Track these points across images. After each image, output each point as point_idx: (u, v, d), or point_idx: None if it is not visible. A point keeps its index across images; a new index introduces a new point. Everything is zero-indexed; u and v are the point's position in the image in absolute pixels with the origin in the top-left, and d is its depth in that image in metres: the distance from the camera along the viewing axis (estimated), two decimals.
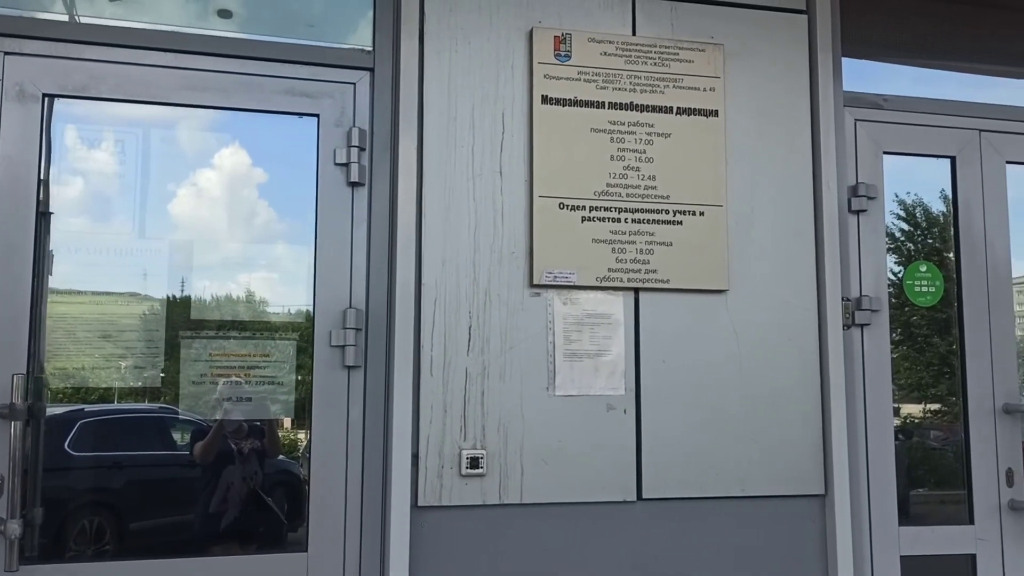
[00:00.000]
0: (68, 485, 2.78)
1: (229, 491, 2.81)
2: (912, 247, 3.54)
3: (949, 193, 3.40)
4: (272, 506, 2.84)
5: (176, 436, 2.92)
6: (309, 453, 2.70)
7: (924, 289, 3.30)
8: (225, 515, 2.81)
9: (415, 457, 2.71)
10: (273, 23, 2.89)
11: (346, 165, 2.80)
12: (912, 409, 3.52)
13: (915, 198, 3.51)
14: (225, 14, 2.91)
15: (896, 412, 3.43)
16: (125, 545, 2.78)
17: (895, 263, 3.39)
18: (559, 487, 2.80)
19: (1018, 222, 3.38)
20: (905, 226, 3.53)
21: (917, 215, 3.54)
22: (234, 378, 2.73)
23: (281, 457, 2.88)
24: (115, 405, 2.79)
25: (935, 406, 3.52)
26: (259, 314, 2.81)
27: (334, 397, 2.72)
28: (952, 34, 3.45)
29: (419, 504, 2.70)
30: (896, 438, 3.32)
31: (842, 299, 3.09)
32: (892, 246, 3.45)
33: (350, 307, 2.76)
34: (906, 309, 3.41)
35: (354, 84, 2.85)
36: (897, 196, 3.43)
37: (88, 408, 2.79)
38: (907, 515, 3.22)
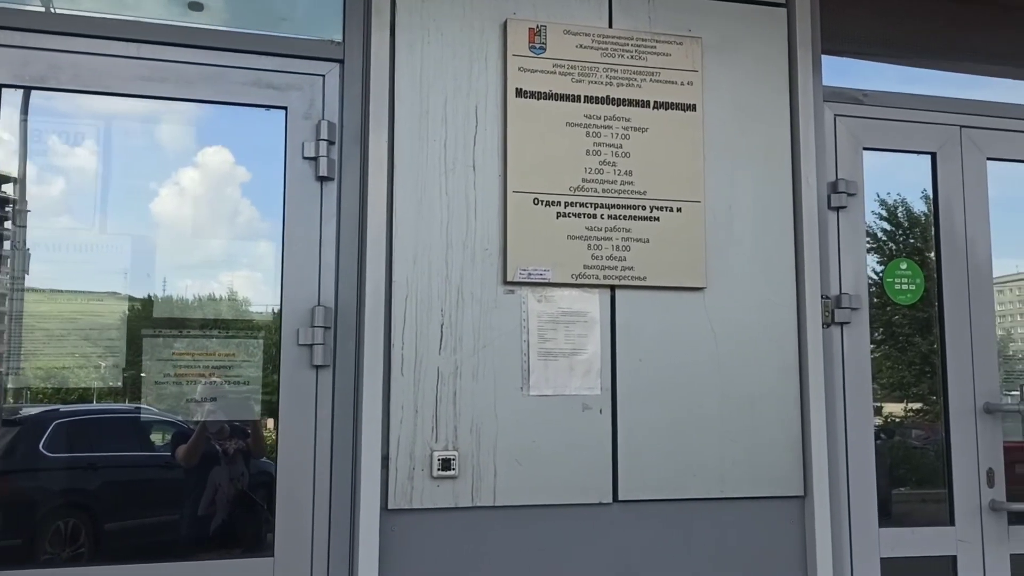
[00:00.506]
0: (42, 486, 2.75)
1: (217, 493, 2.75)
2: (894, 247, 3.51)
3: (930, 191, 3.37)
4: (263, 508, 2.76)
5: (154, 437, 2.87)
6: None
7: (904, 287, 3.27)
8: (214, 517, 2.75)
9: (385, 459, 2.65)
10: (242, 14, 2.83)
11: (315, 159, 2.73)
12: (894, 408, 3.50)
13: (897, 197, 3.48)
14: (196, 7, 2.84)
15: (878, 411, 3.41)
16: (101, 548, 2.74)
17: (877, 262, 3.36)
18: (533, 489, 2.74)
19: (1000, 220, 3.35)
20: (887, 226, 3.51)
21: (899, 214, 3.51)
22: (208, 379, 2.66)
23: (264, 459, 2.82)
24: (91, 405, 2.74)
25: (917, 405, 3.50)
26: (225, 312, 2.74)
27: (302, 397, 2.66)
28: (934, 30, 3.42)
29: (389, 507, 2.63)
30: (878, 437, 3.31)
31: (822, 297, 3.05)
32: (873, 245, 3.43)
33: (318, 305, 2.69)
34: (888, 308, 3.39)
35: (323, 76, 2.79)
36: (879, 196, 3.41)
37: (63, 408, 2.73)
38: (889, 515, 3.20)
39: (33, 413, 2.72)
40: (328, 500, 2.64)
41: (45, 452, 2.78)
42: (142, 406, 2.70)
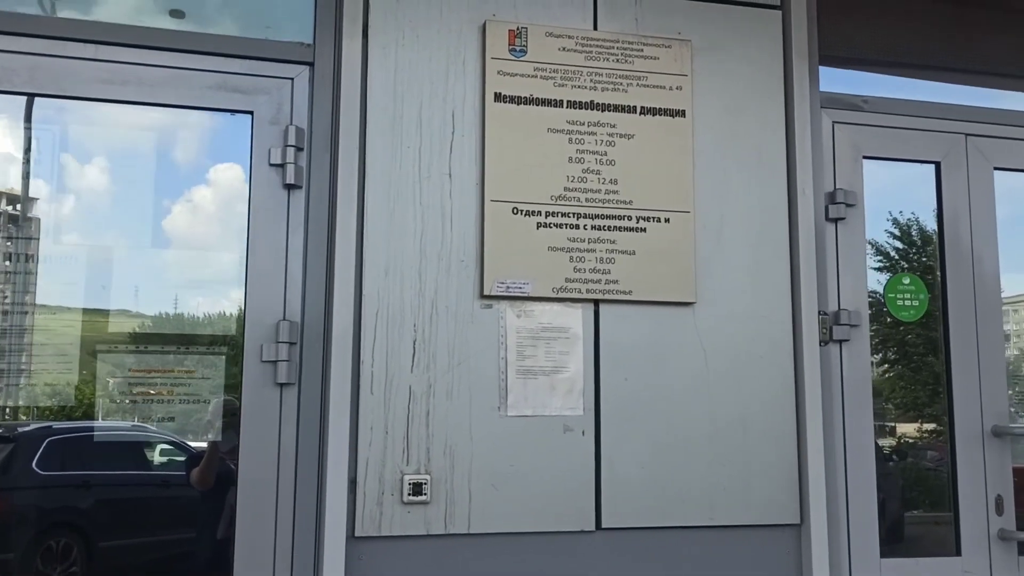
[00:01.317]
0: (34, 504, 2.68)
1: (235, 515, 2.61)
2: (906, 265, 3.37)
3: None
4: None
5: (149, 455, 2.79)
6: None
7: (907, 303, 3.12)
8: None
9: (352, 483, 2.51)
10: (208, 14, 2.72)
11: (282, 166, 2.62)
12: (908, 429, 3.36)
13: (911, 216, 3.34)
14: (178, 14, 2.73)
15: (891, 432, 3.31)
16: (94, 567, 2.67)
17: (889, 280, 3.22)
18: (511, 516, 2.60)
19: (1011, 233, 3.21)
20: (900, 244, 3.37)
21: (912, 232, 3.37)
22: (166, 396, 2.54)
23: None
24: (85, 423, 2.63)
25: (931, 426, 3.36)
26: (185, 326, 2.62)
27: (265, 417, 2.53)
28: (937, 36, 3.29)
29: (356, 534, 2.49)
30: (890, 459, 3.23)
31: (819, 313, 2.91)
32: (885, 264, 3.31)
33: (284, 319, 2.57)
34: (900, 327, 3.26)
35: (292, 79, 2.68)
36: (891, 213, 3.30)
37: (56, 426, 2.66)
38: (902, 539, 3.11)
39: (26, 430, 2.65)
40: (291, 526, 2.51)
41: (38, 470, 2.69)
42: (138, 424, 2.61)
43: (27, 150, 2.59)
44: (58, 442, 2.69)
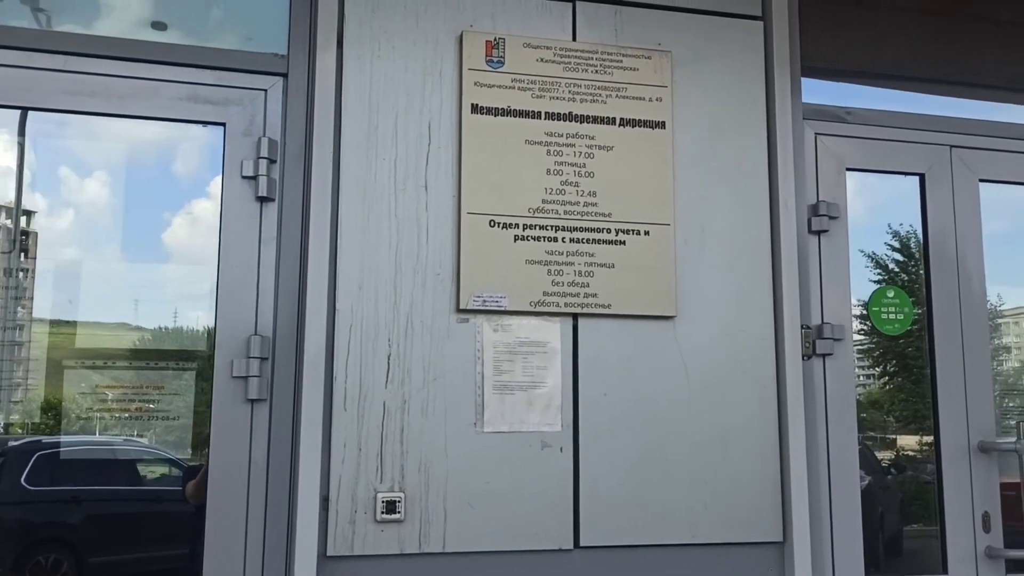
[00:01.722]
0: (23, 519, 2.65)
1: None
2: (906, 277, 3.34)
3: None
4: None
5: (142, 470, 2.76)
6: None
7: (891, 316, 3.09)
8: None
9: (325, 501, 2.47)
10: (181, 25, 2.69)
11: (254, 178, 2.58)
12: (908, 441, 3.33)
13: (909, 227, 3.31)
14: (160, 26, 2.70)
15: (891, 445, 3.30)
16: None
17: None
18: (487, 534, 2.56)
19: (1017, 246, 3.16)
20: (900, 256, 3.34)
21: (911, 244, 3.34)
22: (133, 413, 2.50)
23: None
24: (74, 437, 2.61)
25: (930, 438, 3.29)
26: (154, 341, 2.58)
27: (235, 433, 2.49)
28: (922, 48, 3.27)
29: (328, 553, 2.45)
30: (888, 472, 3.21)
31: (802, 327, 2.87)
32: (884, 277, 3.30)
33: (255, 334, 2.53)
34: (900, 341, 3.23)
35: (265, 91, 2.65)
36: (891, 226, 3.29)
37: (46, 440, 2.62)
38: (901, 552, 3.11)
39: (15, 444, 2.62)
40: (262, 545, 2.46)
41: (27, 485, 2.66)
42: (130, 439, 2.58)
43: (20, 163, 2.56)
44: (47, 457, 2.65)
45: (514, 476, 2.60)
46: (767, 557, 2.76)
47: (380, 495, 2.50)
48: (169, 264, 2.70)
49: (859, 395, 3.41)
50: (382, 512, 2.49)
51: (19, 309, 2.60)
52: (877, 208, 3.31)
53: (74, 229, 2.62)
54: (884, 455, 3.32)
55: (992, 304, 3.42)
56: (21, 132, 2.59)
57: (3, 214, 2.64)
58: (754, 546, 2.75)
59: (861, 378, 3.44)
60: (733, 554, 2.73)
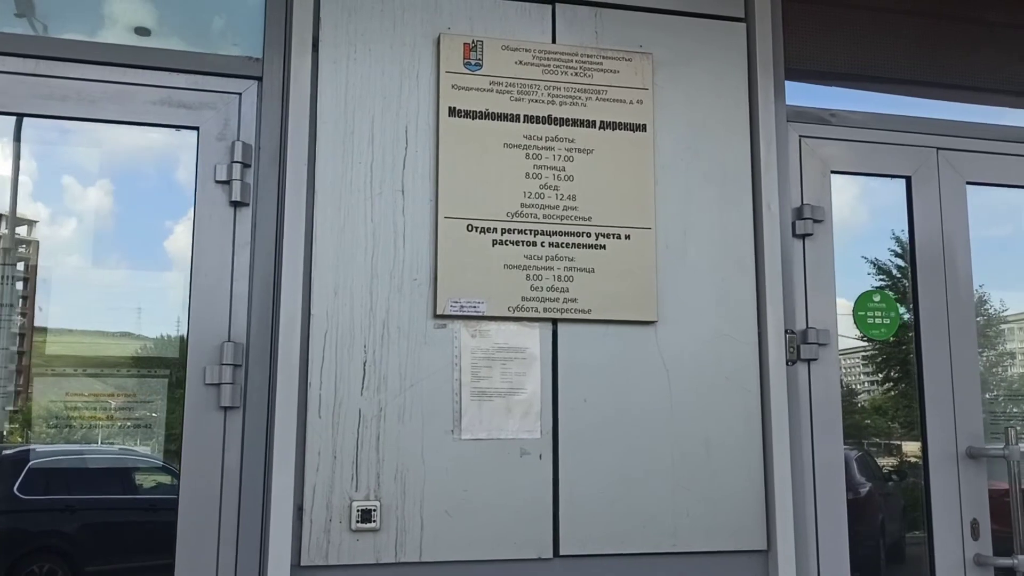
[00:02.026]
0: (16, 529, 2.61)
1: None
2: (908, 283, 3.29)
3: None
4: None
5: (139, 479, 2.72)
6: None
7: (877, 321, 3.05)
8: None
9: (299, 509, 2.44)
10: (155, 28, 2.67)
11: (227, 183, 2.56)
12: (912, 447, 3.28)
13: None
14: (143, 31, 2.68)
15: (895, 451, 3.28)
16: None
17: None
18: (465, 543, 2.52)
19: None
20: (902, 262, 3.30)
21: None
22: (104, 422, 2.48)
23: None
24: (69, 446, 2.57)
25: None
26: (125, 349, 2.55)
27: (207, 441, 2.46)
28: (909, 50, 3.25)
29: (302, 563, 2.41)
30: (889, 479, 3.18)
31: (786, 332, 2.84)
32: (888, 282, 3.25)
33: (228, 341, 2.50)
34: (903, 348, 3.20)
35: (240, 94, 2.62)
36: (894, 232, 3.23)
37: (39, 449, 2.58)
38: (903, 560, 3.09)
39: (8, 453, 2.58)
40: (234, 554, 2.43)
41: (19, 494, 2.62)
42: (126, 447, 2.56)
43: (16, 171, 2.55)
44: (40, 465, 2.62)
45: (492, 484, 2.57)
46: (751, 566, 2.72)
47: (355, 504, 2.47)
48: (153, 271, 2.67)
49: (863, 401, 3.40)
50: (357, 521, 2.46)
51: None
52: (880, 211, 3.26)
53: (61, 237, 2.60)
54: (887, 461, 3.28)
55: (996, 310, 3.40)
56: (17, 138, 2.57)
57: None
58: (738, 554, 2.71)
59: (865, 384, 3.41)
60: (716, 563, 2.69)
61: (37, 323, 2.52)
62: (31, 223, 2.62)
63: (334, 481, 2.47)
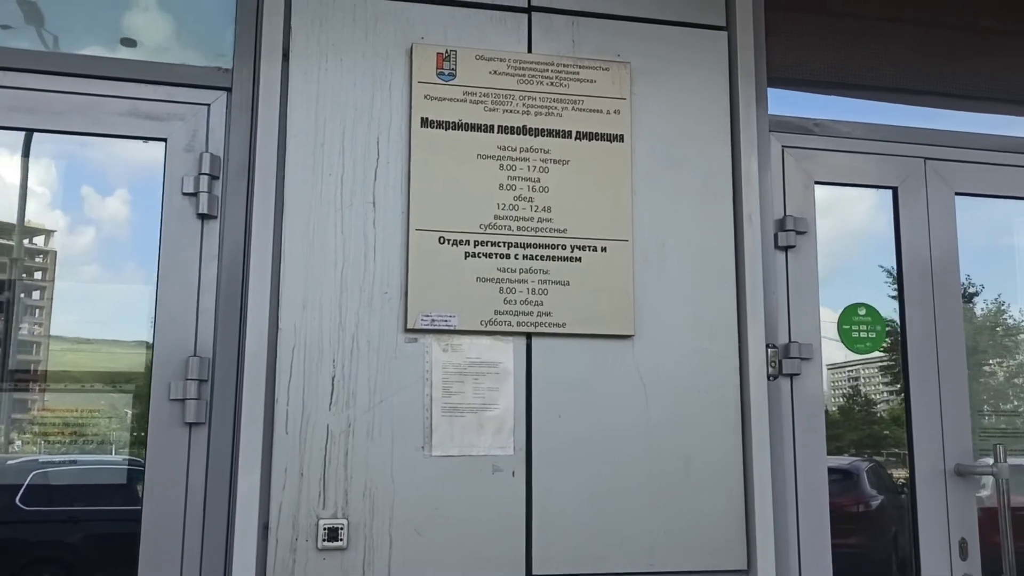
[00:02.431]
0: (18, 539, 2.62)
1: None
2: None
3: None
4: None
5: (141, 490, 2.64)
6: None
7: (862, 335, 3.00)
8: None
9: (265, 528, 2.40)
10: (125, 39, 2.66)
11: (195, 195, 2.53)
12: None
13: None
14: (129, 43, 2.67)
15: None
16: None
17: None
18: (435, 562, 2.48)
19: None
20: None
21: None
22: (66, 439, 2.45)
23: None
24: (72, 456, 2.58)
25: None
26: (90, 363, 2.53)
27: (171, 458, 2.43)
28: (896, 58, 3.20)
29: None
30: (901, 492, 3.11)
31: (767, 346, 2.79)
32: (893, 294, 3.16)
33: (194, 355, 2.47)
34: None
35: (208, 105, 2.60)
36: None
37: (42, 459, 2.58)
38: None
39: (12, 463, 2.59)
40: (198, 574, 2.39)
41: (21, 505, 2.62)
42: (133, 458, 2.54)
43: (24, 184, 2.57)
44: (43, 476, 2.61)
45: (464, 502, 2.52)
46: None
47: (322, 522, 2.43)
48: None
49: (882, 411, 3.34)
50: (324, 539, 2.42)
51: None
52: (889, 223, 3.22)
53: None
54: (903, 473, 3.22)
55: (1015, 320, 3.36)
56: (26, 153, 2.59)
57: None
58: (717, 574, 2.66)
59: (884, 393, 3.35)
60: None
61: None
62: (48, 232, 2.66)
63: (301, 499, 2.43)
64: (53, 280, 2.64)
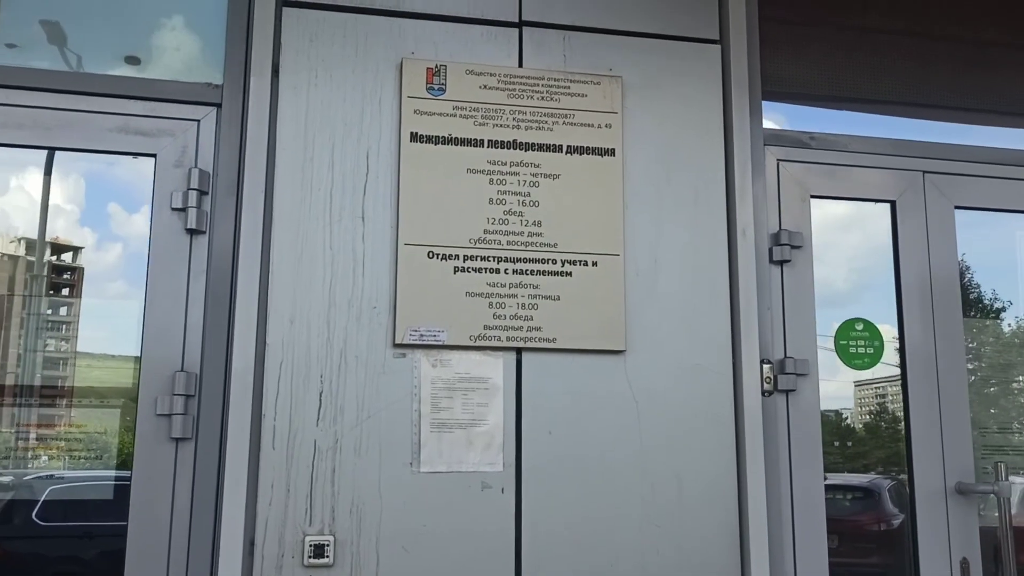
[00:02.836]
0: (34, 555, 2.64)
1: None
2: None
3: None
4: None
5: None
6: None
7: (860, 350, 2.97)
8: None
9: (251, 544, 2.40)
10: (113, 55, 2.68)
11: (183, 210, 2.55)
12: None
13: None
14: (133, 60, 2.70)
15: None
16: None
17: None
18: None
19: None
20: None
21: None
22: (54, 453, 2.46)
23: None
24: (87, 472, 2.59)
25: None
26: (77, 378, 2.54)
27: (157, 473, 2.43)
28: (894, 69, 3.19)
29: None
30: None
31: (762, 361, 2.77)
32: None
33: (181, 370, 2.48)
34: None
35: (198, 121, 2.62)
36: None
37: (58, 474, 2.61)
38: None
39: (28, 479, 2.60)
40: None
41: (38, 520, 2.64)
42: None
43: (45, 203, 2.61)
44: (60, 491, 2.63)
45: (452, 519, 2.51)
46: None
47: (308, 538, 2.42)
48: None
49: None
50: (310, 556, 2.41)
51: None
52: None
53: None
54: None
55: None
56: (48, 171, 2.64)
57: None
58: None
59: None
60: None
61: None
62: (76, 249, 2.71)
63: (287, 515, 2.43)
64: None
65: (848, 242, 3.18)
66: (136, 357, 2.50)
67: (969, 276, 3.32)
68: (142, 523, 2.40)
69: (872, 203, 3.07)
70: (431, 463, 2.52)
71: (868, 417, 3.36)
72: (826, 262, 2.99)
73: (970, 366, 3.26)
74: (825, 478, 3.21)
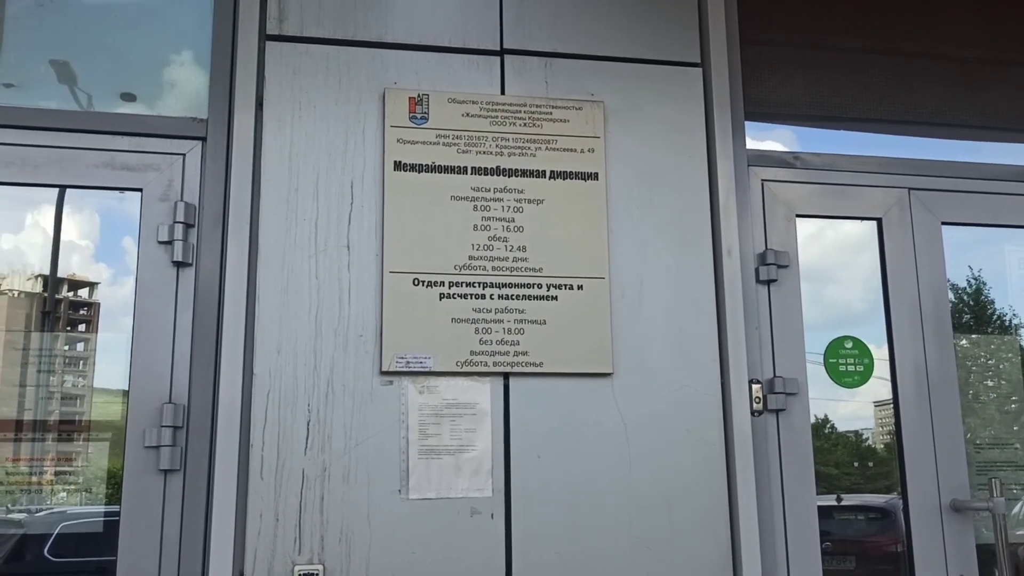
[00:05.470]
0: None
1: None
2: None
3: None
4: None
5: None
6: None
7: (850, 368, 3.05)
8: None
9: (240, 574, 2.47)
10: (99, 91, 2.80)
11: (170, 243, 2.65)
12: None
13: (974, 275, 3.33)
14: (129, 97, 2.82)
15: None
16: None
17: None
18: None
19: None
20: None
21: (980, 291, 3.33)
22: (42, 487, 2.55)
23: None
24: (101, 507, 2.67)
25: None
26: (65, 412, 2.63)
27: (146, 505, 2.51)
28: (874, 85, 3.29)
29: None
30: None
31: (751, 381, 2.85)
32: None
33: (169, 402, 2.57)
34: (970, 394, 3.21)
35: (184, 155, 2.73)
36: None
37: (71, 511, 2.70)
38: None
39: (39, 515, 2.68)
40: None
41: (50, 557, 2.72)
42: None
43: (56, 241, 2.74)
44: (71, 527, 2.71)
45: (442, 545, 2.58)
46: None
47: (298, 568, 2.50)
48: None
49: None
50: None
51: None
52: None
53: None
54: None
55: None
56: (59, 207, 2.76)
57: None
58: None
59: None
60: None
61: None
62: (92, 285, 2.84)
63: (276, 545, 2.50)
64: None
65: (838, 260, 3.28)
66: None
67: (985, 292, 3.41)
68: (131, 555, 2.48)
69: (858, 221, 3.16)
70: (420, 490, 2.60)
71: (888, 437, 3.42)
72: (815, 280, 3.08)
73: (990, 383, 3.35)
74: (841, 499, 3.29)
